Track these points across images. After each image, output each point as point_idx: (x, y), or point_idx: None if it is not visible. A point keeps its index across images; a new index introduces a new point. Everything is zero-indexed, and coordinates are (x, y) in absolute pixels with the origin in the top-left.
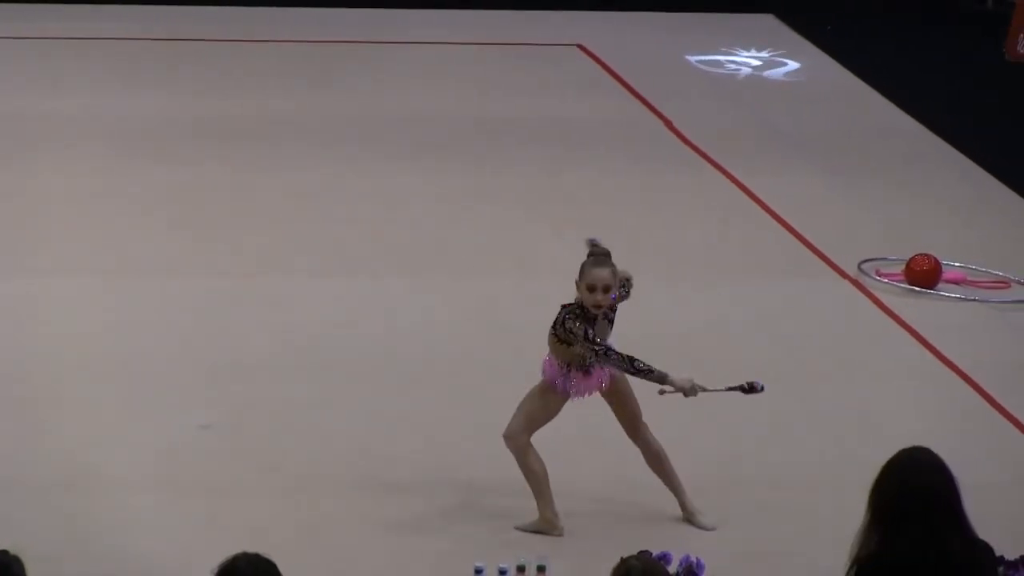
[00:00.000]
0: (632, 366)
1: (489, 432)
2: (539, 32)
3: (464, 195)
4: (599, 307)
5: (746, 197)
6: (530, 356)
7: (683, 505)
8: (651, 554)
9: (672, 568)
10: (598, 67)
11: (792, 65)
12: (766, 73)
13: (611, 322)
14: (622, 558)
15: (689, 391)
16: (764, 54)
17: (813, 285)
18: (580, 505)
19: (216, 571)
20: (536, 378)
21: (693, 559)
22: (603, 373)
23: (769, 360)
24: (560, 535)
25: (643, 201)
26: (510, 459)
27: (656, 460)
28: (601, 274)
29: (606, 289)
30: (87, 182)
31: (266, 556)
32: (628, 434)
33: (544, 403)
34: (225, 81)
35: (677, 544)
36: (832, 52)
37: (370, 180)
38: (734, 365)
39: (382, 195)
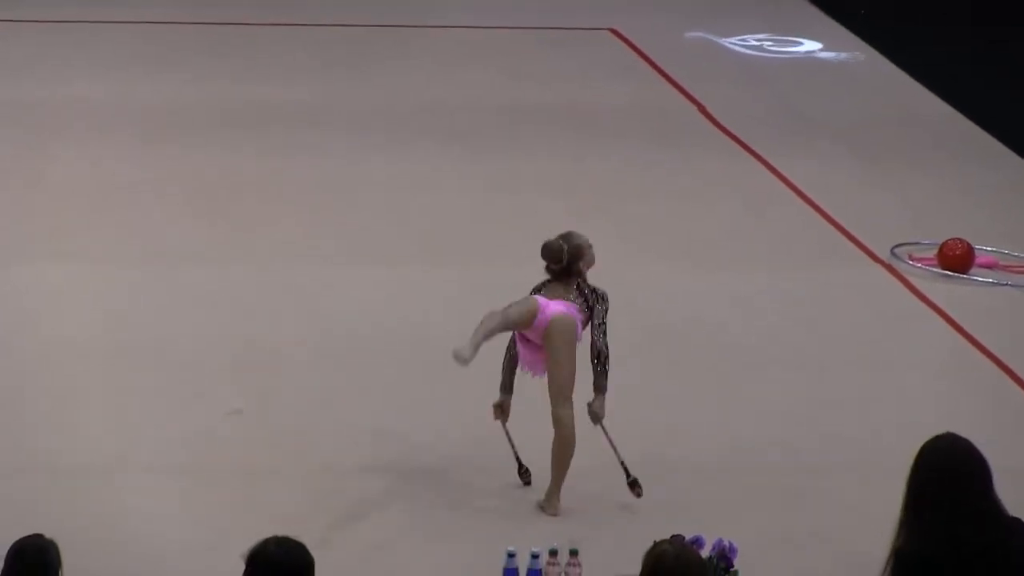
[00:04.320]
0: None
1: (517, 417)
2: (571, 16)
3: (494, 181)
4: None
5: (778, 182)
6: None
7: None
8: (684, 538)
9: (705, 552)
10: (631, 51)
11: (825, 50)
12: (799, 58)
13: None
14: (655, 542)
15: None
16: (797, 39)
17: (846, 270)
18: (612, 489)
19: (247, 554)
20: None
21: (726, 543)
22: None
23: (801, 345)
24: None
25: (675, 186)
26: (541, 443)
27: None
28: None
29: None
30: (114, 169)
31: (296, 539)
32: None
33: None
34: (254, 67)
35: (710, 528)
36: (865, 37)
37: (398, 166)
38: (766, 351)
39: (410, 181)
